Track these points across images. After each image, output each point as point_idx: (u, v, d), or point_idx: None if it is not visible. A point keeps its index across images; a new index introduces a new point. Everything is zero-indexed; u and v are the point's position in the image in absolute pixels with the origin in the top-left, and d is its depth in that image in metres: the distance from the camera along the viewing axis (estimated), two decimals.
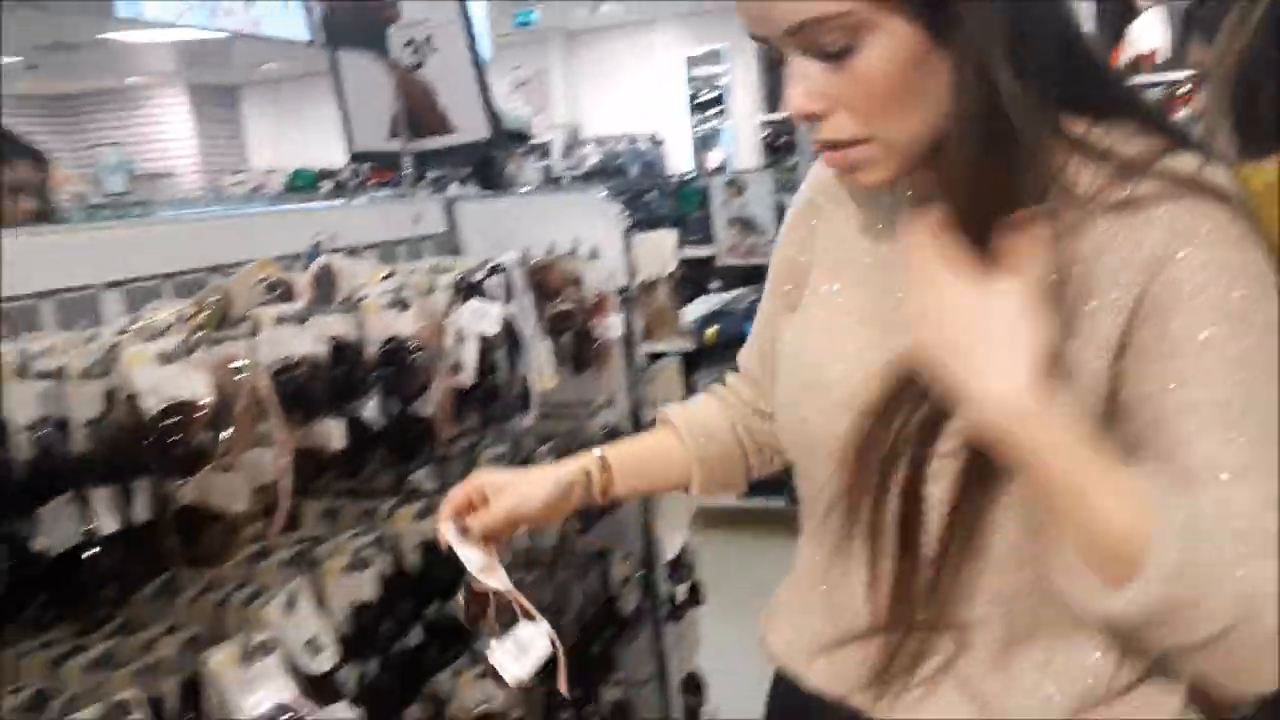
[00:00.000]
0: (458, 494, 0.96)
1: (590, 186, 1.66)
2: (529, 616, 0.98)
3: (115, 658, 0.89)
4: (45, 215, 1.93)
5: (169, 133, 12.31)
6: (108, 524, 0.78)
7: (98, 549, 0.76)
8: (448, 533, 0.93)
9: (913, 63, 0.67)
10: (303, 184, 9.06)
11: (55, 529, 0.74)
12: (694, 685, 2.04)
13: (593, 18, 10.92)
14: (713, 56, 11.48)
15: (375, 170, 5.56)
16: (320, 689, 0.98)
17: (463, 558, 0.94)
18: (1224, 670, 0.64)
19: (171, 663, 0.89)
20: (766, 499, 3.95)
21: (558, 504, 0.96)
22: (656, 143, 11.08)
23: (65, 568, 0.75)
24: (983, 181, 0.68)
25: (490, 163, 4.29)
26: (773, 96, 12.52)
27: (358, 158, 1.72)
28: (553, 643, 0.98)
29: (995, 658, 0.77)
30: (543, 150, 9.63)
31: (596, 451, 1.01)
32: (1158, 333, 0.66)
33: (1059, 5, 0.71)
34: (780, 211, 4.66)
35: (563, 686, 1.12)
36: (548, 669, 1.00)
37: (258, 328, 0.94)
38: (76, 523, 0.76)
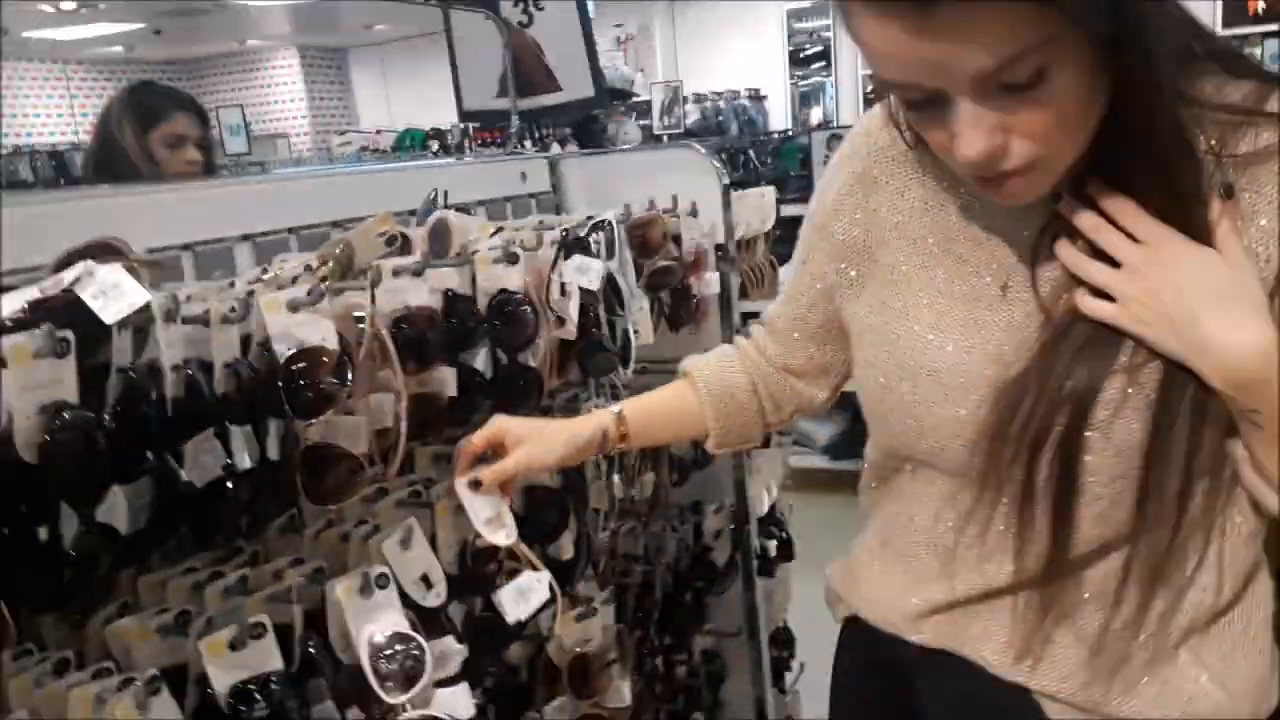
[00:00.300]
0: (476, 442, 1.04)
1: (690, 143, 1.67)
2: (533, 567, 1.08)
3: (248, 584, 0.96)
4: (209, 167, 2.05)
5: (283, 94, 12.64)
6: (243, 460, 0.85)
7: (235, 483, 0.82)
8: (460, 487, 1.02)
9: (1091, 83, 0.67)
10: (411, 144, 9.26)
11: (199, 463, 0.81)
12: (783, 639, 2.07)
13: None
14: (817, 11, 11.23)
15: (479, 130, 5.64)
16: (430, 622, 1.04)
17: (469, 511, 1.03)
18: None
19: (298, 591, 0.96)
20: (855, 461, 3.95)
21: (571, 458, 1.05)
22: (758, 99, 10.93)
23: (207, 500, 0.82)
24: (1175, 173, 0.70)
25: (592, 121, 4.30)
26: None
27: (467, 116, 1.76)
28: (552, 589, 1.13)
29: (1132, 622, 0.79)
30: (643, 108, 9.60)
31: (614, 408, 1.08)
32: None
33: None
34: None
35: (566, 638, 1.31)
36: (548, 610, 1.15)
37: (379, 279, 0.99)
38: (218, 458, 0.82)
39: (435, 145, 9.03)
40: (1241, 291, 0.70)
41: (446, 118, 10.08)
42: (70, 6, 7.77)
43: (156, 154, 1.98)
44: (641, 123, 8.02)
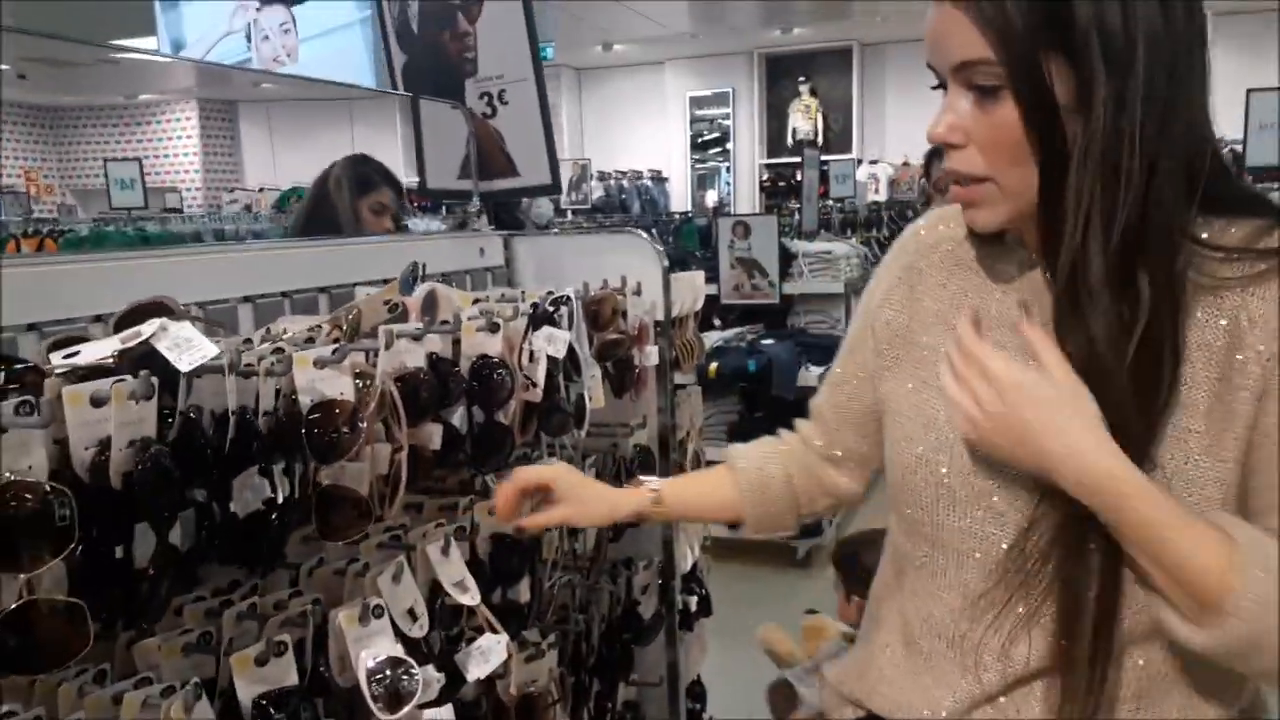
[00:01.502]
0: (530, 478, 1.15)
1: (633, 229, 1.85)
2: (494, 630, 1.23)
3: (257, 611, 1.06)
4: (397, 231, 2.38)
5: (176, 148, 12.32)
6: (279, 496, 0.96)
7: (276, 515, 0.94)
8: (433, 552, 1.16)
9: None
10: (296, 201, 9.23)
11: (244, 496, 0.92)
12: (698, 691, 2.20)
13: (604, 56, 11.20)
14: (717, 99, 11.81)
15: (415, 195, 5.79)
16: (414, 652, 1.15)
17: (440, 573, 1.20)
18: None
19: (302, 618, 1.06)
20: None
21: (605, 524, 1.19)
22: (659, 180, 11.35)
23: (248, 528, 0.93)
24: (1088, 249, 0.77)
25: (506, 202, 4.51)
26: (773, 141, 12.75)
27: (430, 194, 1.91)
28: (508, 650, 1.28)
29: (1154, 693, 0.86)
30: None
31: (654, 484, 1.19)
32: None
33: (1198, 107, 0.79)
34: (784, 254, 4.88)
35: (511, 691, 1.41)
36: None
37: (390, 342, 1.12)
38: (258, 493, 0.94)
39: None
40: (1074, 406, 0.78)
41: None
42: None
43: (362, 216, 2.22)
44: (551, 198, 8.25)
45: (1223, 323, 0.79)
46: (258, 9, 4.60)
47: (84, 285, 1.05)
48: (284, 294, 1.35)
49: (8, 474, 0.75)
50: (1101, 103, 0.75)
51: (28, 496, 0.75)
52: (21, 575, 0.76)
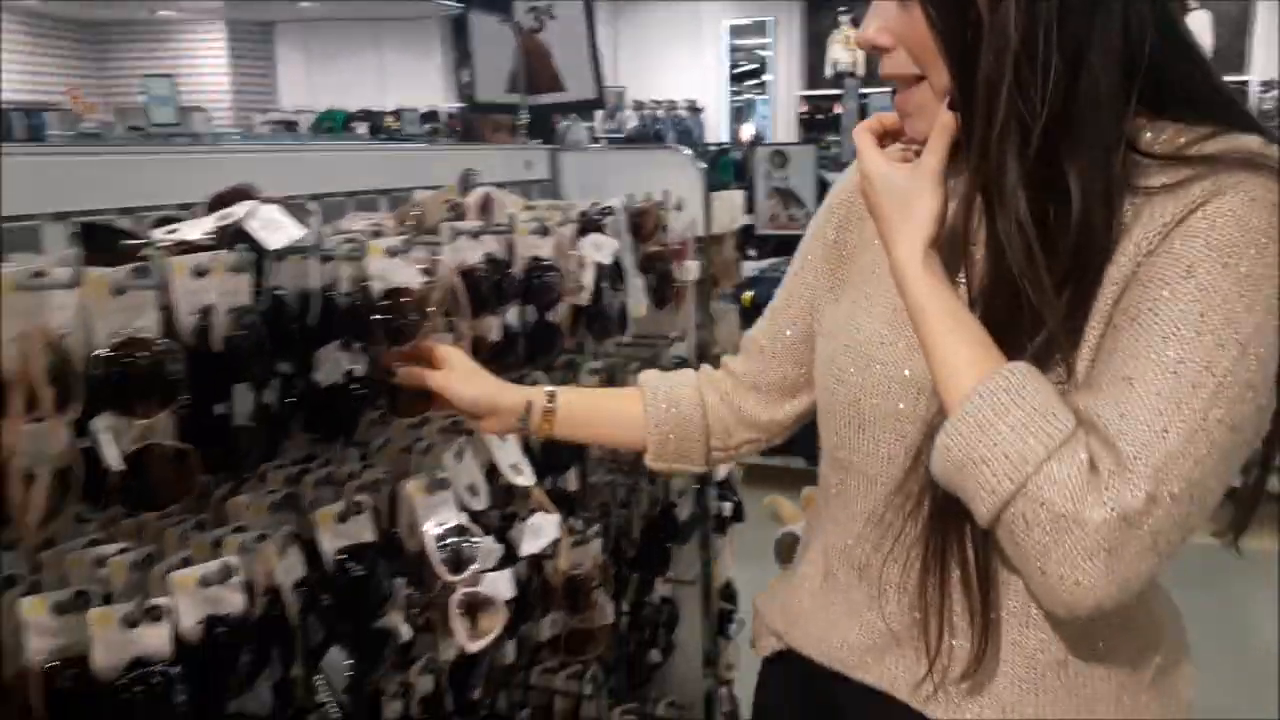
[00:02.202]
0: (426, 347, 1.09)
1: (675, 146, 1.90)
2: (547, 510, 1.31)
3: (335, 478, 1.16)
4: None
5: (203, 67, 12.34)
6: (357, 369, 1.06)
7: (357, 387, 1.03)
8: (489, 438, 1.18)
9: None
10: (332, 125, 9.31)
11: (326, 368, 1.01)
12: (729, 593, 2.32)
13: None
14: (756, 28, 11.64)
15: (456, 119, 5.85)
16: (474, 523, 1.25)
17: (496, 457, 1.26)
18: (1025, 571, 0.70)
19: (376, 487, 1.17)
20: (786, 459, 4.24)
21: (483, 405, 1.07)
22: (695, 111, 11.27)
23: (330, 399, 1.02)
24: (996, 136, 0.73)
25: (545, 122, 4.56)
26: (812, 73, 12.56)
27: (479, 107, 1.97)
28: (560, 530, 1.34)
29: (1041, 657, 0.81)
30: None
31: (548, 388, 1.09)
32: (1162, 259, 0.70)
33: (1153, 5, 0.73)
34: (822, 187, 4.90)
35: (562, 562, 1.47)
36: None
37: (453, 238, 1.20)
38: (338, 366, 1.03)
39: (363, 128, 9.11)
40: (907, 202, 0.78)
41: (369, 100, 10.12)
42: None
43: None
44: (588, 125, 8.25)
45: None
46: None
47: (171, 175, 1.14)
48: (348, 194, 1.42)
49: (127, 331, 0.84)
50: None
51: (143, 351, 0.85)
52: (138, 421, 0.85)
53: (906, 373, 0.84)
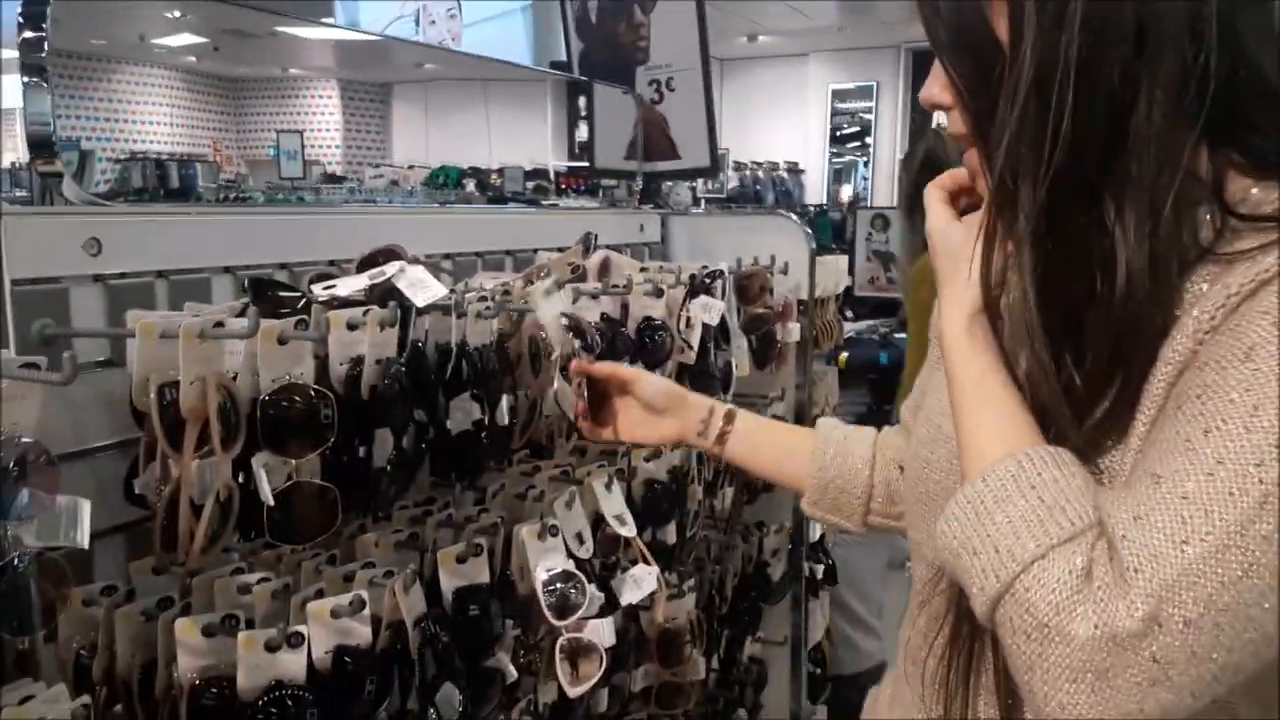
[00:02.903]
0: (602, 367, 1.12)
1: (782, 211, 1.95)
2: (646, 561, 1.34)
3: (454, 520, 1.23)
4: None
5: (319, 123, 12.96)
6: (485, 418, 1.12)
7: (487, 435, 1.10)
8: (599, 487, 1.14)
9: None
10: (445, 181, 9.68)
11: (457, 416, 1.08)
12: (818, 657, 2.31)
13: (748, 47, 11.25)
14: (860, 92, 11.69)
15: (565, 178, 6.05)
16: (580, 570, 1.30)
17: (603, 506, 1.29)
18: (1018, 683, 0.61)
19: (492, 531, 1.23)
20: None
21: (667, 406, 1.11)
22: (795, 172, 11.34)
23: (461, 444, 1.09)
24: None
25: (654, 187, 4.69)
26: (917, 136, 12.49)
27: (600, 172, 2.06)
28: (658, 582, 1.36)
29: None
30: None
31: (729, 406, 1.13)
32: (1223, 337, 0.60)
33: (1202, 20, 0.63)
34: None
35: (658, 615, 1.49)
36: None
37: (577, 298, 1.27)
38: (469, 414, 1.10)
39: (471, 184, 9.45)
40: (954, 263, 0.73)
41: (481, 157, 10.52)
42: (176, 14, 8.18)
43: None
44: (690, 185, 8.37)
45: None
46: None
47: (323, 234, 1.24)
48: (477, 254, 1.51)
49: (286, 377, 0.92)
50: (1031, 18, 0.64)
51: (299, 397, 0.93)
52: (292, 460, 0.93)
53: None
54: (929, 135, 2.88)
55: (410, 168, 10.51)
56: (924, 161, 2.79)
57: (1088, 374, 0.65)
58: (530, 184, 8.45)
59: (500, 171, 9.51)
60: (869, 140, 11.85)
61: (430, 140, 12.72)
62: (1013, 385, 0.69)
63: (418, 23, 4.97)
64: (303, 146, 10.19)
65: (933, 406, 0.84)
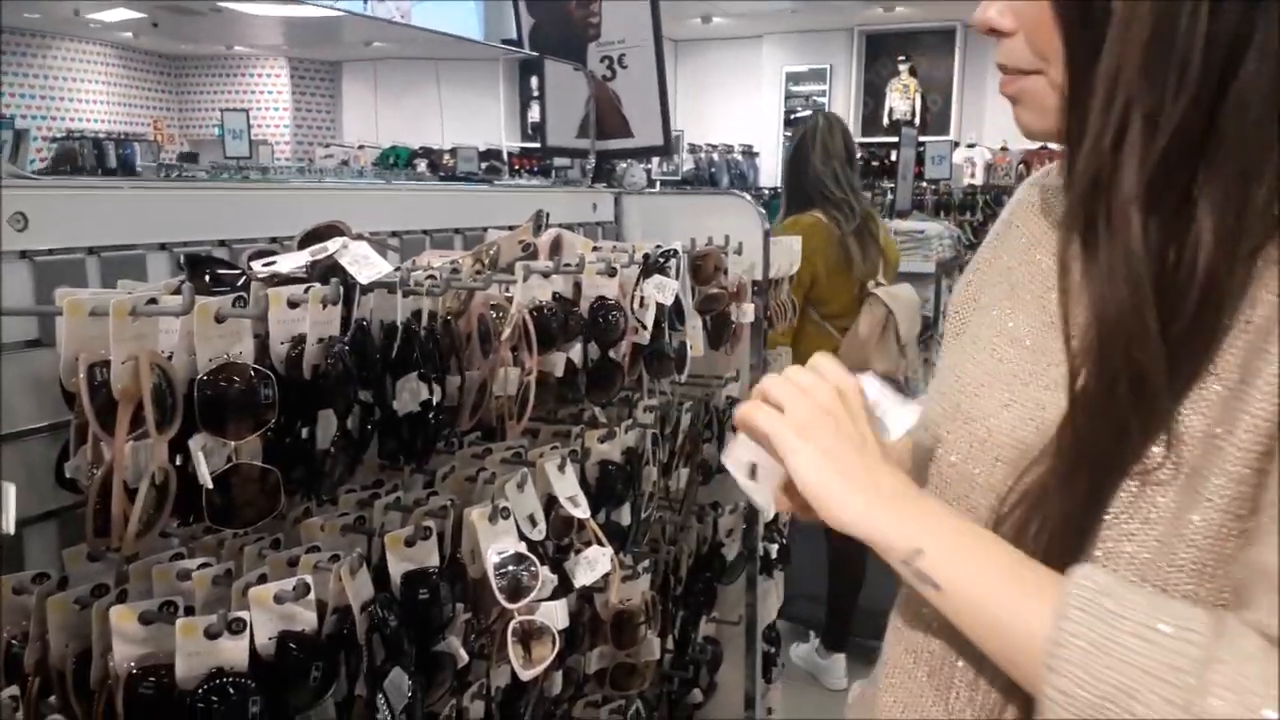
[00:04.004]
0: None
1: (736, 191, 1.94)
2: (600, 543, 1.34)
3: (400, 503, 1.20)
4: None
5: (267, 101, 12.71)
6: (434, 399, 1.10)
7: (433, 416, 1.07)
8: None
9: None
10: (395, 161, 9.56)
11: (404, 397, 1.06)
12: (773, 636, 2.32)
13: (702, 29, 11.22)
14: (814, 75, 11.74)
15: (519, 159, 6.00)
16: (532, 552, 1.29)
17: (555, 488, 1.26)
18: None
19: (441, 513, 1.21)
20: None
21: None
22: (750, 154, 11.37)
23: (408, 425, 1.07)
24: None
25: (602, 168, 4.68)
26: (869, 120, 12.60)
27: (552, 151, 2.03)
28: (612, 563, 1.35)
29: None
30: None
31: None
32: None
33: None
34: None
35: (613, 596, 1.48)
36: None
37: (527, 276, 1.25)
38: (416, 395, 1.07)
39: (423, 164, 9.35)
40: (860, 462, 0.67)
41: (433, 138, 10.42)
42: None
43: None
44: (645, 166, 8.35)
45: None
46: None
47: (264, 210, 1.20)
48: (425, 231, 1.48)
49: (225, 356, 0.89)
50: None
51: (238, 376, 0.90)
52: (231, 442, 0.90)
53: (985, 431, 0.72)
54: (820, 120, 2.93)
55: (361, 148, 10.36)
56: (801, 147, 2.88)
57: (1147, 351, 0.60)
58: (484, 165, 8.37)
59: (453, 152, 9.41)
60: None
61: (381, 120, 12.54)
62: (985, 533, 0.65)
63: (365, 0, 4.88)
64: (249, 125, 9.98)
65: (948, 382, 0.79)
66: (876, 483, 0.67)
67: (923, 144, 7.43)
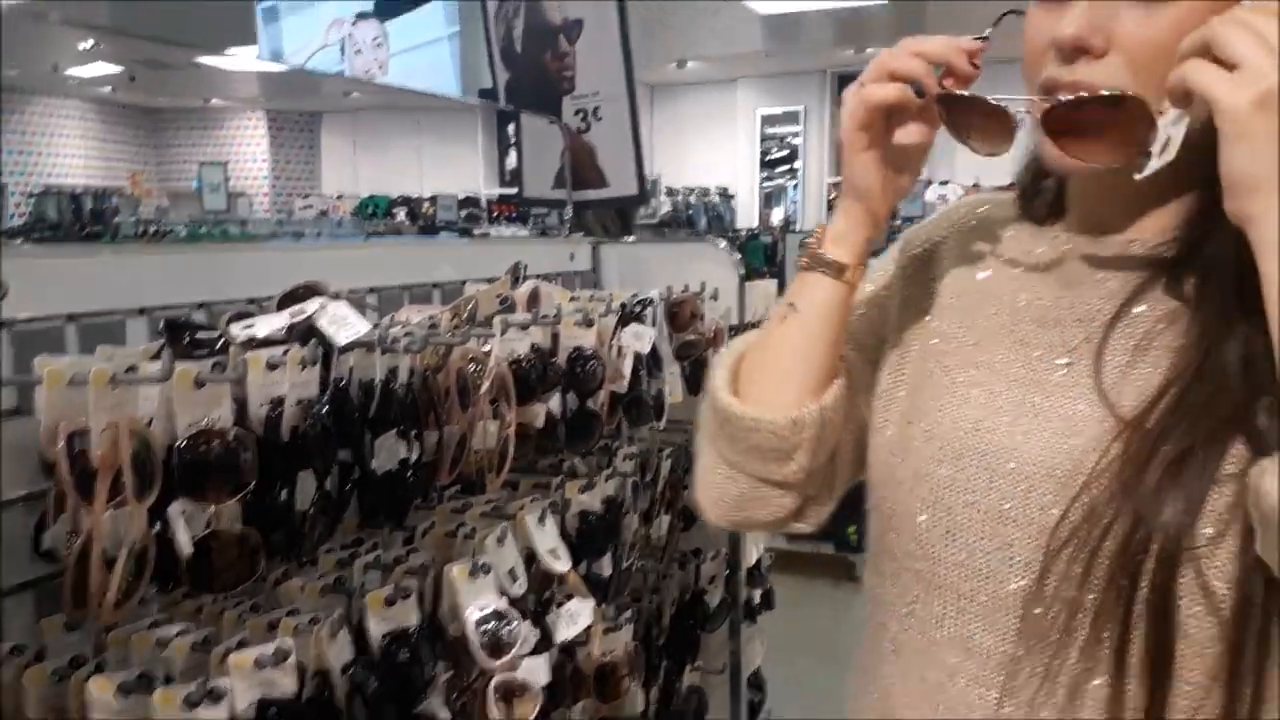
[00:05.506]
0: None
1: (711, 238, 1.97)
2: (582, 596, 1.34)
3: (381, 561, 1.20)
4: None
5: (245, 154, 12.76)
6: (413, 457, 1.10)
7: (412, 473, 1.08)
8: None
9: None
10: (374, 210, 9.61)
11: (383, 455, 1.06)
12: (758, 683, 2.31)
13: (677, 73, 11.36)
14: (788, 117, 11.90)
15: (498, 205, 6.06)
16: (514, 608, 1.28)
17: (535, 543, 1.26)
18: None
19: (421, 571, 1.20)
20: (816, 545, 4.23)
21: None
22: (726, 197, 11.48)
23: (387, 483, 1.07)
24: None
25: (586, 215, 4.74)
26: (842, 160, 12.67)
27: (528, 201, 2.06)
28: (593, 615, 1.32)
29: None
30: None
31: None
32: None
33: None
34: None
35: (595, 649, 1.46)
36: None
37: (505, 329, 1.26)
38: (395, 453, 1.08)
39: (402, 213, 9.40)
40: None
41: (413, 186, 10.46)
42: (89, 44, 7.98)
43: None
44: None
45: None
46: (352, 24, 4.84)
47: (243, 271, 1.21)
48: (404, 287, 1.50)
49: (204, 421, 0.89)
50: None
51: (217, 441, 0.90)
52: (211, 507, 0.90)
53: (1012, 465, 0.69)
54: None
55: (339, 198, 10.40)
56: None
57: None
58: (463, 212, 8.42)
59: (433, 200, 9.46)
60: (798, 164, 12.05)
61: (360, 170, 12.60)
62: None
63: (343, 51, 4.93)
64: (226, 178, 10.02)
65: (939, 419, 0.75)
66: None
67: None
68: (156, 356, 0.91)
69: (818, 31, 9.97)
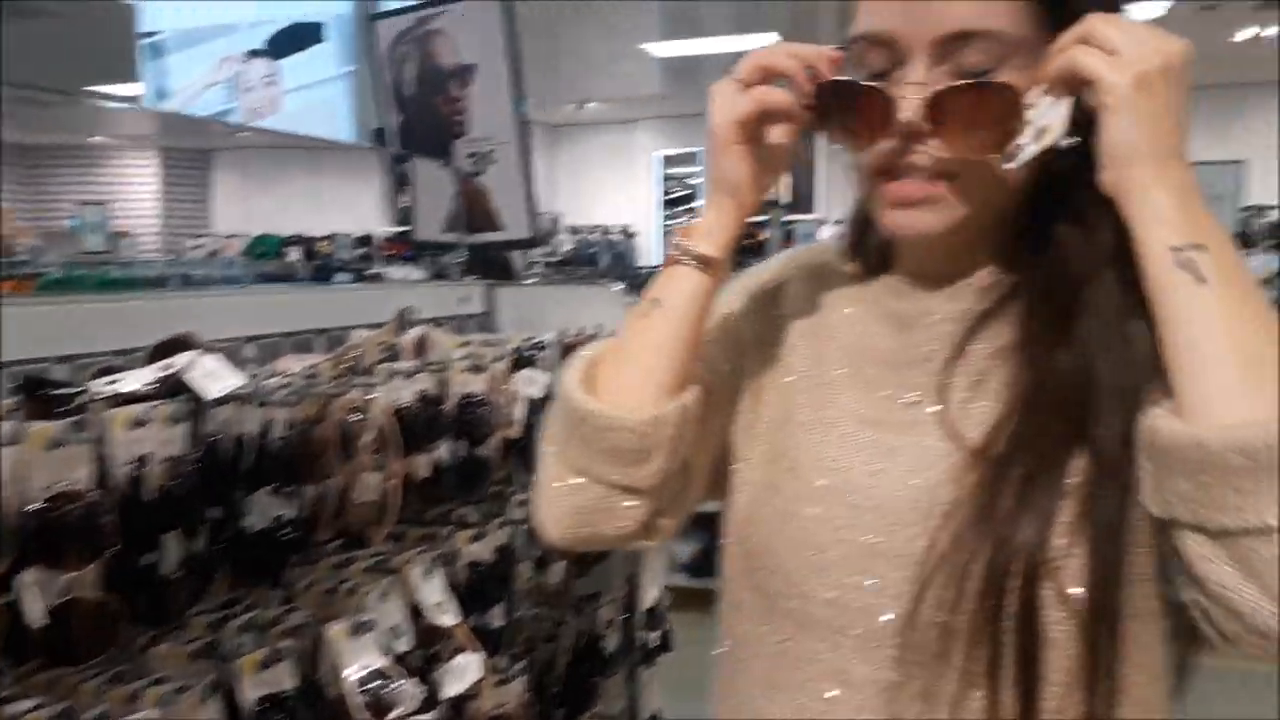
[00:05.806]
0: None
1: (603, 282, 1.98)
2: (470, 648, 1.32)
3: (256, 622, 1.15)
4: None
5: (131, 193, 12.34)
6: (287, 514, 1.07)
7: (289, 531, 1.04)
8: None
9: None
10: (265, 250, 9.35)
11: (256, 513, 1.03)
12: None
13: (577, 114, 11.46)
14: (687, 158, 12.10)
15: (393, 244, 5.96)
16: (397, 666, 1.25)
17: (420, 598, 1.24)
18: (1224, 587, 0.58)
19: (299, 631, 1.16)
20: (708, 581, 4.23)
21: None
22: (628, 235, 11.57)
23: (262, 542, 1.03)
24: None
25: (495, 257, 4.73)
26: None
27: (420, 246, 2.03)
28: (482, 669, 1.31)
29: None
30: None
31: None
32: None
33: None
34: None
35: (485, 703, 1.42)
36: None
37: (388, 378, 1.23)
38: (269, 511, 1.04)
39: (295, 253, 9.19)
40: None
41: (308, 224, 10.24)
42: None
43: None
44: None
45: None
46: (243, 61, 4.74)
47: (115, 321, 1.16)
48: (285, 334, 1.46)
49: (62, 483, 0.85)
50: None
51: (74, 505, 0.86)
52: (66, 574, 0.86)
53: (874, 502, 0.71)
54: None
55: (231, 237, 10.09)
56: None
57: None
58: (358, 251, 8.27)
59: (330, 238, 9.26)
60: (698, 204, 12.23)
61: (254, 208, 12.30)
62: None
63: (234, 89, 4.82)
64: (106, 219, 9.62)
65: (805, 461, 0.76)
66: (1185, 169, 0.63)
67: (791, 223, 7.71)
68: (11, 416, 0.87)
69: (716, 75, 10.14)
